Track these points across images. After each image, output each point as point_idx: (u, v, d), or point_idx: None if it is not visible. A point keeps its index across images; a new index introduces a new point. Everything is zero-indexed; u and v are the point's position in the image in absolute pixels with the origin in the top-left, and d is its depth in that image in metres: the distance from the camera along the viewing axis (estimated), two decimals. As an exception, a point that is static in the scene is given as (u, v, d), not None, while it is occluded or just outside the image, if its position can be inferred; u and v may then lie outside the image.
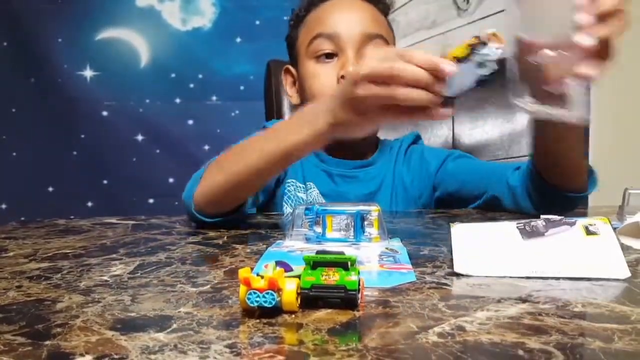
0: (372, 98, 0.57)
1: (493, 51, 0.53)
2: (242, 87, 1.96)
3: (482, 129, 1.25)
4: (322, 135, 0.65)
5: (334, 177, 1.00)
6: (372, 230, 0.59)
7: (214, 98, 1.99)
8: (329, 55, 0.95)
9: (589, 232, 0.51)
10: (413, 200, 1.00)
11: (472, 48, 0.53)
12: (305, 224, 0.60)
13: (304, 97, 1.01)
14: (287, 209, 0.97)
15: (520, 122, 1.23)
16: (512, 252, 0.50)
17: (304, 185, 1.00)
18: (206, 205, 0.76)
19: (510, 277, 0.47)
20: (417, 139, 1.09)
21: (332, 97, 0.64)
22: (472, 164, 1.00)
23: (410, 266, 0.51)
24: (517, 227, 0.53)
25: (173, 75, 1.97)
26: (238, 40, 1.97)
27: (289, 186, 1.01)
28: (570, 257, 0.49)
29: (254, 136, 0.76)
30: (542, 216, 0.53)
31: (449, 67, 0.53)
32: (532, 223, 0.53)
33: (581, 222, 0.52)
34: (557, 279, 0.46)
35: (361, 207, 0.59)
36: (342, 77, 0.92)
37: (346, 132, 0.64)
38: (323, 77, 0.95)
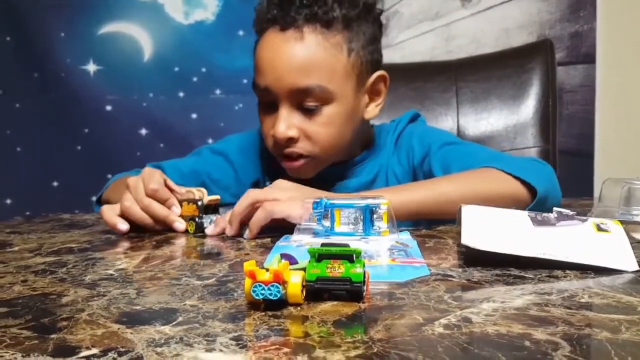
0: None
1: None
2: (245, 81, 1.95)
3: (486, 121, 1.24)
4: None
5: (327, 179, 0.93)
6: (382, 224, 0.58)
7: (218, 92, 1.99)
8: (270, 105, 0.85)
9: (600, 229, 0.51)
10: None
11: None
12: (314, 218, 0.60)
13: None
14: None
15: (525, 113, 1.23)
16: (521, 234, 0.50)
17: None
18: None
19: (517, 255, 0.47)
20: (414, 118, 1.00)
21: None
22: (450, 157, 0.87)
23: (422, 260, 0.50)
24: (528, 215, 0.53)
25: (176, 69, 1.97)
26: (241, 33, 1.96)
27: None
28: (579, 244, 0.48)
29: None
30: (554, 209, 0.53)
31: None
32: (544, 214, 0.53)
33: (593, 220, 0.52)
34: (564, 269, 0.46)
35: (370, 201, 0.59)
36: (274, 136, 0.84)
37: None
38: (265, 127, 0.88)
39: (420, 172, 0.91)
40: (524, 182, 0.72)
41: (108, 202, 0.91)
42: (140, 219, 0.72)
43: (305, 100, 0.82)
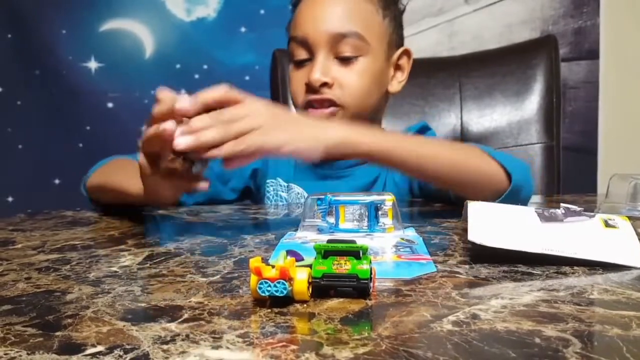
0: None
1: None
2: (247, 78, 1.95)
3: (490, 117, 1.24)
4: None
5: (326, 178, 0.96)
6: (387, 220, 0.58)
7: (219, 89, 1.99)
8: (303, 60, 0.89)
9: (607, 225, 0.50)
10: (405, 195, 0.96)
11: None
12: (318, 215, 0.59)
13: None
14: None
15: (529, 109, 1.22)
16: (528, 230, 0.50)
17: (286, 185, 0.98)
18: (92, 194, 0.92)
19: (525, 251, 0.47)
20: (422, 130, 1.02)
21: None
22: None
23: (429, 256, 0.50)
24: (535, 211, 0.53)
25: (178, 66, 1.96)
26: (243, 30, 1.96)
27: (268, 186, 0.99)
28: (587, 241, 0.48)
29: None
30: (562, 204, 0.53)
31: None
32: (551, 210, 0.53)
33: (600, 216, 0.52)
34: (572, 265, 0.46)
35: (375, 197, 0.58)
36: (307, 84, 0.87)
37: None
38: (295, 84, 0.90)
39: (415, 180, 0.92)
40: (502, 168, 0.73)
41: (95, 187, 0.92)
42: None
43: (342, 49, 0.86)
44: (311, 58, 0.88)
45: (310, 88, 0.87)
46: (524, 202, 0.77)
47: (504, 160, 0.73)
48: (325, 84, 0.86)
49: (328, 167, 0.96)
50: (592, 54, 1.78)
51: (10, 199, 1.97)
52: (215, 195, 0.95)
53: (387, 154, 0.67)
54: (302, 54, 0.89)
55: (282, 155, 0.62)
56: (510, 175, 0.72)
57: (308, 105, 0.89)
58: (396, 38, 0.94)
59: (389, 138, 0.70)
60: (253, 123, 0.59)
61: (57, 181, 1.97)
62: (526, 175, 0.78)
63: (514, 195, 0.72)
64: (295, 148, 0.61)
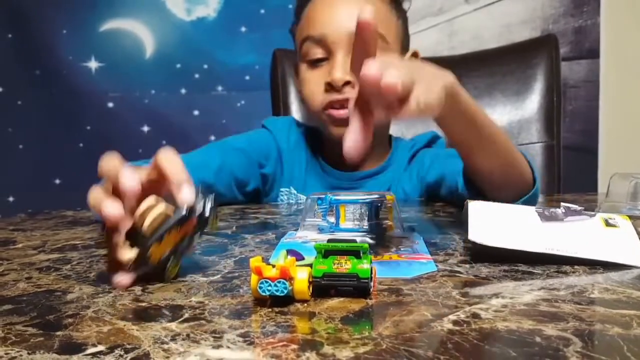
0: None
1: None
2: (247, 77, 1.95)
3: (490, 117, 1.24)
4: None
5: (336, 189, 0.95)
6: (387, 220, 0.58)
7: (220, 88, 1.99)
8: (319, 60, 0.88)
9: (608, 224, 0.50)
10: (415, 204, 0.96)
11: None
12: (318, 214, 0.59)
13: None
14: None
15: (530, 109, 1.22)
16: (529, 229, 0.50)
17: (296, 194, 0.98)
18: None
19: (526, 251, 0.47)
20: (433, 140, 1.01)
21: None
22: (452, 162, 0.83)
23: (429, 256, 0.50)
24: (535, 210, 0.53)
25: (178, 65, 1.96)
26: (243, 29, 1.96)
27: (282, 195, 1.00)
28: (588, 239, 0.48)
29: None
30: (562, 204, 0.53)
31: None
32: (551, 209, 0.53)
33: (601, 215, 0.52)
34: (572, 265, 0.46)
35: (375, 197, 0.58)
36: (329, 83, 0.86)
37: None
38: (312, 85, 0.89)
39: (424, 183, 0.92)
40: (531, 170, 0.71)
41: None
42: None
43: None
44: (327, 57, 0.87)
45: (331, 88, 0.86)
46: None
47: (535, 166, 0.71)
48: (348, 83, 0.84)
49: (339, 177, 0.96)
50: (593, 53, 1.78)
51: (10, 199, 1.98)
52: (232, 200, 0.95)
53: (473, 114, 0.61)
54: (318, 53, 0.88)
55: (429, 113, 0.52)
56: (534, 180, 0.70)
57: (328, 106, 0.87)
58: (407, 39, 0.94)
59: (470, 98, 0.61)
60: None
61: (57, 181, 1.97)
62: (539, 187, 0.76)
63: (532, 201, 0.70)
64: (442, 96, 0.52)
